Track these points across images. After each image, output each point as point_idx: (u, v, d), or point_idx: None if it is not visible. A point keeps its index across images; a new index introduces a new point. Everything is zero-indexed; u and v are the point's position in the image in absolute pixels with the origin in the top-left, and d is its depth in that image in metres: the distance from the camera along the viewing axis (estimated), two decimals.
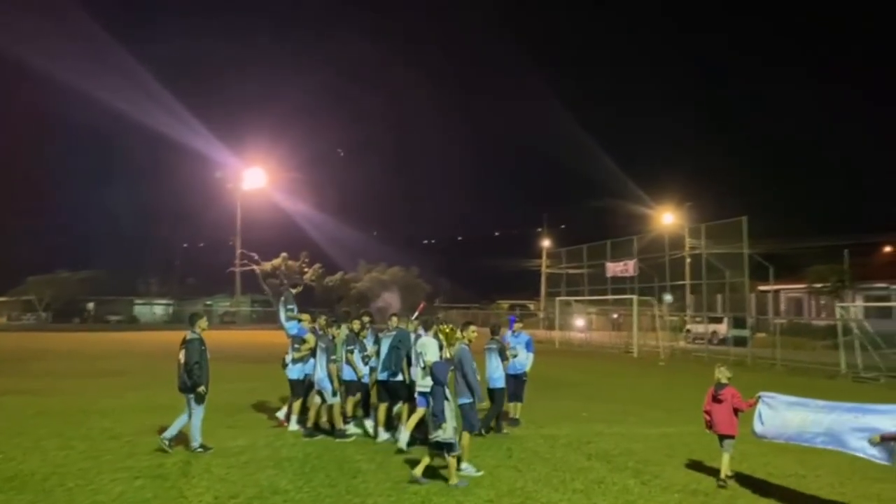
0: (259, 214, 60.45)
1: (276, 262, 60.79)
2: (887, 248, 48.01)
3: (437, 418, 7.46)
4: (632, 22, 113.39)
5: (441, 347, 8.72)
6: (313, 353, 10.14)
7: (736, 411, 7.70)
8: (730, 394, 7.72)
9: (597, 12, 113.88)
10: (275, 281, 59.64)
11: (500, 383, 10.21)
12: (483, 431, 9.97)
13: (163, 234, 75.80)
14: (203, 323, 9.07)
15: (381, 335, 10.32)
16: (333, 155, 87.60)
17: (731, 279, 29.46)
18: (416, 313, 11.31)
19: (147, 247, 74.34)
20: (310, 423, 9.97)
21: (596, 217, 66.97)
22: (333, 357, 9.79)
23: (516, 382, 10.91)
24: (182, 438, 8.91)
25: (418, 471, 7.51)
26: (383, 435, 9.74)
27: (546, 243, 56.10)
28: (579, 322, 40.18)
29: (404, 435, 8.98)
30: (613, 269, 35.58)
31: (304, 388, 10.43)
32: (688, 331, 35.82)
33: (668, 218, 42.04)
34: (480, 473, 7.83)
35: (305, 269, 60.38)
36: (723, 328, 31.97)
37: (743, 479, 7.85)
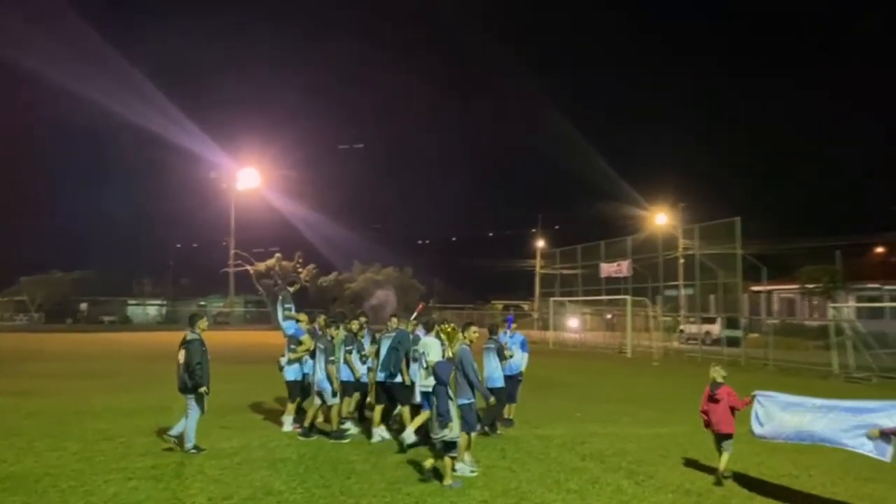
0: (253, 215, 60.34)
1: (271, 262, 60.67)
2: (879, 249, 48.25)
3: (444, 417, 7.50)
4: (626, 24, 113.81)
5: (443, 347, 8.79)
6: (312, 354, 10.13)
7: (732, 410, 7.76)
8: (726, 392, 7.78)
9: (591, 15, 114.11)
10: (269, 281, 59.53)
11: (500, 383, 10.26)
12: (487, 429, 10.09)
13: (156, 235, 75.67)
14: (203, 323, 9.08)
15: (381, 336, 10.30)
16: (328, 155, 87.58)
17: (725, 280, 29.60)
18: (415, 314, 11.33)
19: (140, 247, 74.17)
20: (307, 423, 9.98)
21: (590, 218, 67.16)
22: (332, 358, 9.79)
23: (511, 382, 10.93)
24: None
25: (429, 464, 7.62)
26: (377, 436, 9.75)
27: (540, 244, 56.18)
28: (573, 322, 40.24)
29: (409, 431, 9.02)
30: (607, 269, 35.68)
31: (300, 389, 10.41)
32: (681, 331, 35.94)
33: (661, 219, 42.19)
34: (475, 474, 7.84)
35: (300, 270, 60.25)
36: (716, 328, 32.07)
37: (736, 479, 7.88)
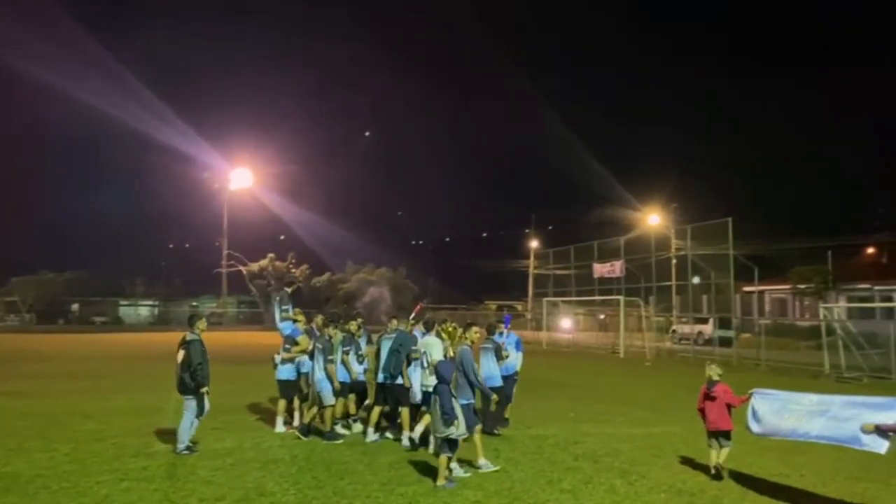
0: (246, 215, 60.16)
1: (263, 262, 60.47)
2: (870, 250, 48.54)
3: (449, 416, 7.52)
4: (620, 25, 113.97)
5: (445, 347, 8.82)
6: (311, 354, 10.13)
7: (729, 407, 7.83)
8: (722, 390, 7.86)
9: (589, 14, 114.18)
10: (262, 282, 59.38)
11: (498, 382, 10.30)
12: (497, 431, 10.24)
13: (148, 235, 75.35)
14: (202, 324, 9.11)
15: (381, 337, 10.28)
16: (321, 156, 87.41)
17: (717, 280, 29.73)
18: (414, 314, 11.36)
19: (132, 248, 73.84)
20: (306, 420, 10.02)
21: (583, 218, 67.30)
22: (331, 357, 9.79)
23: (508, 382, 10.98)
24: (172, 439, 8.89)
25: (440, 480, 7.57)
26: (372, 436, 9.75)
27: (534, 244, 56.26)
28: (566, 322, 40.31)
29: (418, 430, 9.05)
30: (600, 269, 35.77)
31: (292, 388, 10.40)
32: (674, 331, 36.06)
33: (654, 219, 42.32)
34: (468, 475, 7.84)
35: (293, 270, 60.11)
36: (708, 329, 32.20)
37: (727, 479, 7.92)
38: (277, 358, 10.41)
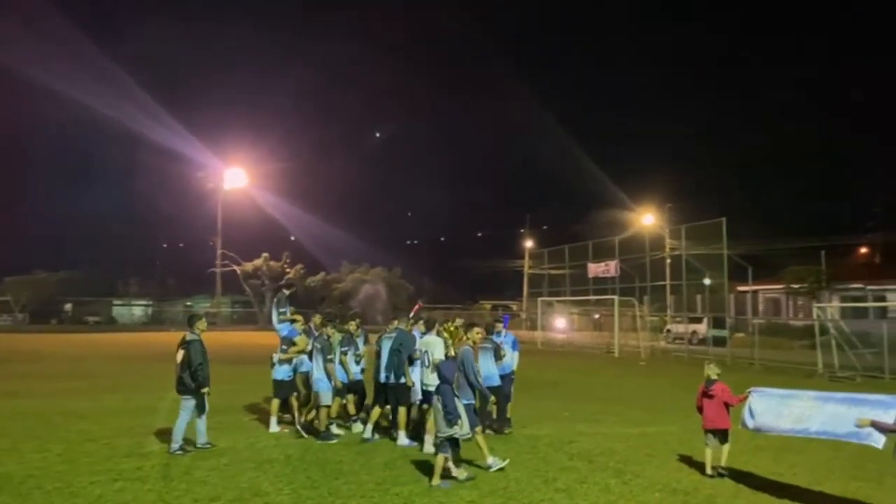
0: (240, 215, 60.05)
1: (258, 262, 60.37)
2: (863, 250, 48.77)
3: (452, 415, 7.52)
4: (613, 24, 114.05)
5: (447, 346, 8.82)
6: (310, 355, 10.11)
7: (727, 406, 7.86)
8: (720, 389, 7.89)
9: (579, 13, 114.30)
10: (256, 281, 59.27)
11: (497, 381, 10.31)
12: (507, 430, 10.32)
13: (142, 235, 75.08)
14: (202, 324, 9.13)
15: (382, 336, 10.26)
16: (315, 155, 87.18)
17: (711, 280, 29.80)
18: (412, 313, 11.36)
19: (126, 247, 73.55)
20: (307, 418, 10.03)
21: (578, 218, 67.46)
22: (330, 357, 9.78)
23: (504, 381, 10.99)
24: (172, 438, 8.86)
25: (461, 474, 7.60)
26: (368, 434, 9.75)
27: (528, 244, 56.33)
28: (561, 322, 40.35)
29: (428, 440, 9.01)
30: (595, 269, 35.81)
31: (288, 388, 10.38)
32: (668, 331, 36.13)
33: (648, 219, 42.40)
34: (464, 477, 7.81)
35: (287, 270, 60.02)
36: (702, 328, 32.28)
37: (720, 478, 7.93)
38: (275, 358, 10.41)
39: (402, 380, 9.54)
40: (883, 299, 34.32)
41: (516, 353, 11.38)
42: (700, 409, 8.09)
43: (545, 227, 65.41)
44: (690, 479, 7.88)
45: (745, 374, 21.20)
